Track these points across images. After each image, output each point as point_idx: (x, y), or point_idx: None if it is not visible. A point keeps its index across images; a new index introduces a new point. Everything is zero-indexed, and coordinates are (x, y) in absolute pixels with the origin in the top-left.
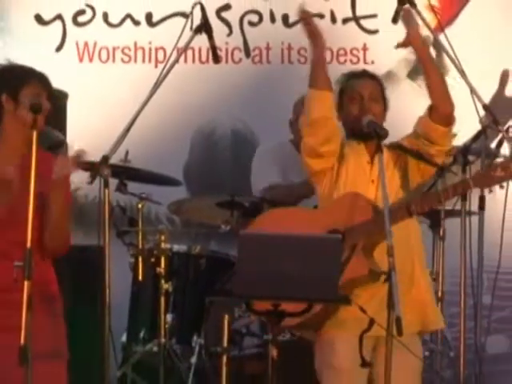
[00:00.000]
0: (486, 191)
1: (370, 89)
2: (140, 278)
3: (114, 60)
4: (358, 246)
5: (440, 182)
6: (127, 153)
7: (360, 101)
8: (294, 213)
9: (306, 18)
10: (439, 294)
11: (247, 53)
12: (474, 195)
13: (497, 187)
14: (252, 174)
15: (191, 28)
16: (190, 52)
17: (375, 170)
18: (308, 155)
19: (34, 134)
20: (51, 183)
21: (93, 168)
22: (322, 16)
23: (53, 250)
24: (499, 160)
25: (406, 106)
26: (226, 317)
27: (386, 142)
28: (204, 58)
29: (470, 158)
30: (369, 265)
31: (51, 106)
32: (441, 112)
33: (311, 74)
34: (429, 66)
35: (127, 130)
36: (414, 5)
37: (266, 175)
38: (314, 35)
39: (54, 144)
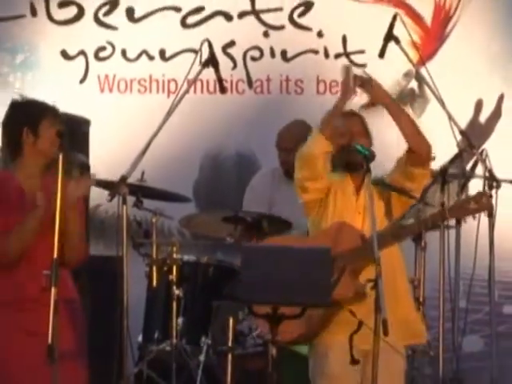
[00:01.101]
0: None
1: (358, 126)
2: (154, 284)
3: (131, 91)
4: (345, 271)
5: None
6: (143, 173)
7: (349, 135)
8: (288, 240)
9: (348, 73)
10: (420, 299)
11: (250, 84)
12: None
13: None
14: (243, 206)
15: (200, 62)
16: (198, 83)
17: (361, 200)
18: (297, 187)
19: (60, 156)
20: (69, 205)
21: (112, 187)
22: (316, 52)
23: (70, 261)
24: (472, 194)
25: (391, 135)
26: (231, 319)
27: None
28: (211, 89)
29: (448, 178)
30: (354, 287)
31: (68, 128)
32: (417, 154)
33: (325, 119)
34: (400, 118)
35: (143, 152)
36: (398, 42)
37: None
38: (347, 88)
39: (79, 166)
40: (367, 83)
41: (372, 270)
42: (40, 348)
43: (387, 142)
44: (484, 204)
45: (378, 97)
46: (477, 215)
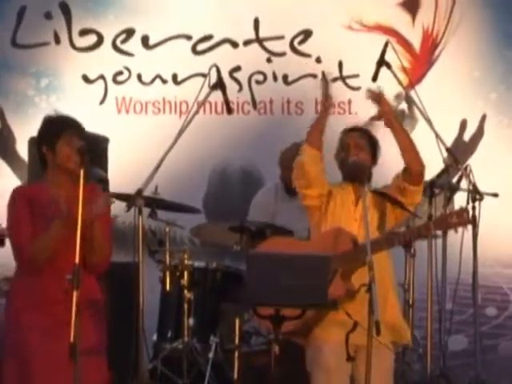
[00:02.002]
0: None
1: (356, 140)
2: (167, 288)
3: (146, 112)
4: (338, 272)
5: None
6: (157, 187)
7: (347, 150)
8: (289, 241)
9: (326, 85)
10: (410, 301)
11: (254, 106)
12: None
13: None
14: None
15: (209, 85)
16: (207, 105)
17: (359, 210)
18: (298, 194)
19: (82, 172)
20: (93, 217)
21: (129, 199)
22: (315, 76)
23: (94, 265)
24: (455, 210)
25: (383, 148)
26: (237, 320)
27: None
28: (219, 110)
29: (436, 191)
30: (346, 287)
31: (88, 145)
32: (412, 171)
33: (310, 131)
34: (399, 134)
35: (157, 168)
36: (389, 67)
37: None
38: (327, 98)
39: (98, 180)
40: (378, 97)
41: (364, 275)
42: (62, 347)
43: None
44: (465, 219)
45: (384, 112)
46: (459, 229)
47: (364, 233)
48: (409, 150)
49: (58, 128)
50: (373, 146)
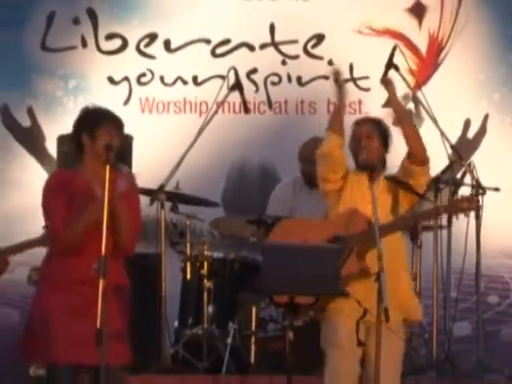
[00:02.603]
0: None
1: (366, 130)
2: (188, 277)
3: (168, 111)
4: (353, 250)
5: (420, 206)
6: (178, 182)
7: (358, 140)
8: (302, 223)
9: (338, 75)
10: (417, 289)
11: (270, 106)
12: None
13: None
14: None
15: (227, 87)
16: (226, 105)
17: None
18: (320, 180)
19: (107, 168)
20: (116, 195)
21: (152, 194)
22: (327, 78)
23: (123, 246)
24: (465, 194)
25: (391, 149)
26: (254, 308)
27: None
28: (237, 110)
29: (441, 185)
30: (360, 265)
31: (121, 142)
32: (416, 155)
33: (331, 119)
34: (404, 120)
35: (178, 164)
36: (397, 69)
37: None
38: (341, 88)
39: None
40: (390, 85)
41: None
42: (87, 328)
43: None
44: (473, 204)
45: (393, 100)
46: (466, 215)
47: (378, 215)
48: (414, 136)
49: (99, 117)
50: (384, 135)
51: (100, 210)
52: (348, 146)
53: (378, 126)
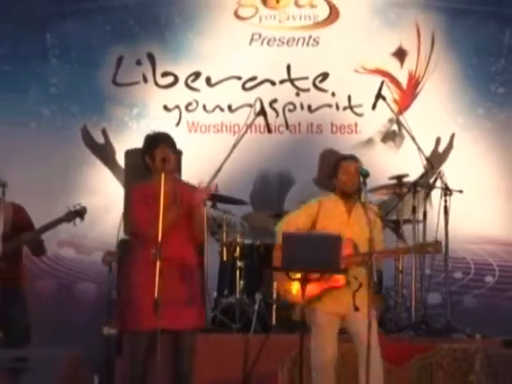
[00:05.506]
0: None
1: (355, 168)
2: (224, 259)
3: (209, 132)
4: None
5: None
6: (217, 186)
7: (349, 175)
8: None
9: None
10: (400, 268)
11: (287, 127)
12: (420, 210)
13: None
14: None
15: (254, 113)
16: (253, 127)
17: (351, 218)
18: None
19: (163, 175)
20: (193, 205)
21: None
22: (330, 106)
23: (195, 236)
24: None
25: (380, 160)
26: (275, 282)
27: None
28: (262, 130)
29: (418, 188)
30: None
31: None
32: None
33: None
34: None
35: (217, 172)
36: (384, 99)
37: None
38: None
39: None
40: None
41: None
42: (169, 298)
43: None
44: (438, 249)
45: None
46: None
47: (356, 238)
48: None
49: (154, 141)
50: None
51: (175, 212)
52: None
53: (357, 162)
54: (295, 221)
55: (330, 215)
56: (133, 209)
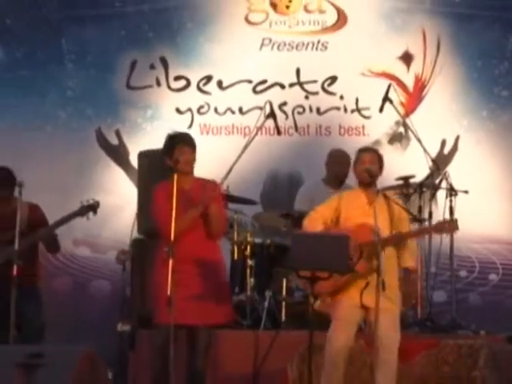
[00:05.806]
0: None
1: (370, 157)
2: (235, 257)
3: (220, 134)
4: (363, 254)
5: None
6: (228, 186)
7: (363, 164)
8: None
9: None
10: None
11: (296, 129)
12: (426, 210)
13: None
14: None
15: (264, 115)
16: (263, 129)
17: (373, 208)
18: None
19: (175, 176)
20: (205, 205)
21: None
22: (338, 108)
23: (212, 234)
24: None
25: (387, 161)
26: (284, 279)
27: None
28: (272, 133)
29: (424, 189)
30: (369, 265)
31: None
32: None
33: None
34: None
35: (228, 173)
36: (391, 102)
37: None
38: None
39: None
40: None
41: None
42: (184, 296)
43: None
44: (454, 226)
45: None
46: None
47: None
48: None
49: (173, 142)
50: (380, 160)
51: (196, 211)
52: (352, 170)
53: (377, 154)
54: (321, 213)
55: (352, 207)
56: (156, 208)
